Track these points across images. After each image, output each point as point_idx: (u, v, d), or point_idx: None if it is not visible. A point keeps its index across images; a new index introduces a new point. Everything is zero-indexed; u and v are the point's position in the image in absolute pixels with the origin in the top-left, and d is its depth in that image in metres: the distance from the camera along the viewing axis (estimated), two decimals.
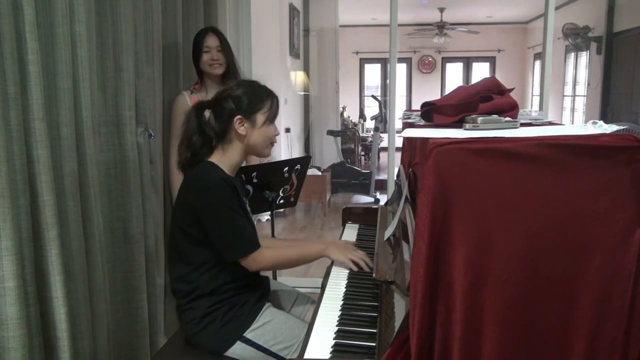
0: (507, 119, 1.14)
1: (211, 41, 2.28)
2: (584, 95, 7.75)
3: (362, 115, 10.62)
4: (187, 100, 2.30)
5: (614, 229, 0.89)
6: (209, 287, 1.56)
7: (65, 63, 1.48)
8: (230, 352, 1.56)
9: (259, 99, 1.60)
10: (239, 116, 1.57)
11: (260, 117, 1.60)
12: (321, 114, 7.48)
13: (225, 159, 1.61)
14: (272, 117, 1.63)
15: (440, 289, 0.92)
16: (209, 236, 1.54)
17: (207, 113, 1.62)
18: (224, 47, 2.32)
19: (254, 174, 2.19)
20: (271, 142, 1.67)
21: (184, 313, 1.60)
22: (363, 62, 11.45)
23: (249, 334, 1.56)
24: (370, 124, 9.28)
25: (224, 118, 1.58)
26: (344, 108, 9.23)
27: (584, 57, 7.78)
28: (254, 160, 2.37)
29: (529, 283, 0.90)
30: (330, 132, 6.90)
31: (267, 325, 1.58)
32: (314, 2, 7.30)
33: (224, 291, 1.57)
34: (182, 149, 1.65)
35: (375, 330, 1.28)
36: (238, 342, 1.55)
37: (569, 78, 8.44)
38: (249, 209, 1.71)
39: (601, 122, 1.05)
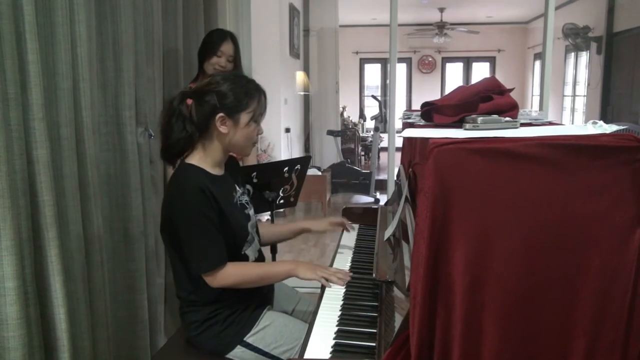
0: (507, 119, 1.14)
1: (227, 48, 2.27)
2: (584, 95, 7.75)
3: (362, 115, 10.62)
4: None
5: (614, 229, 0.89)
6: (210, 295, 1.53)
7: (65, 63, 1.48)
8: (230, 355, 1.55)
9: (244, 97, 1.50)
10: (221, 114, 1.48)
11: (244, 117, 1.51)
12: (321, 114, 7.48)
13: (207, 157, 1.54)
14: (257, 117, 1.54)
15: (440, 289, 0.92)
16: (180, 245, 1.49)
17: (189, 102, 1.52)
18: (236, 58, 2.32)
19: (254, 174, 2.19)
20: (253, 142, 1.60)
21: (185, 315, 1.60)
22: (363, 62, 11.45)
23: (249, 339, 1.55)
24: (370, 124, 9.29)
25: (206, 113, 1.49)
26: (344, 108, 9.23)
27: (584, 57, 7.78)
28: (252, 160, 2.36)
29: (529, 283, 0.90)
30: (330, 132, 6.90)
31: (268, 329, 1.57)
32: (314, 2, 7.30)
33: (225, 298, 1.55)
34: (162, 135, 1.55)
35: (375, 330, 1.28)
36: (238, 346, 1.54)
37: (569, 78, 8.44)
38: (246, 200, 1.65)
39: (601, 122, 1.05)
